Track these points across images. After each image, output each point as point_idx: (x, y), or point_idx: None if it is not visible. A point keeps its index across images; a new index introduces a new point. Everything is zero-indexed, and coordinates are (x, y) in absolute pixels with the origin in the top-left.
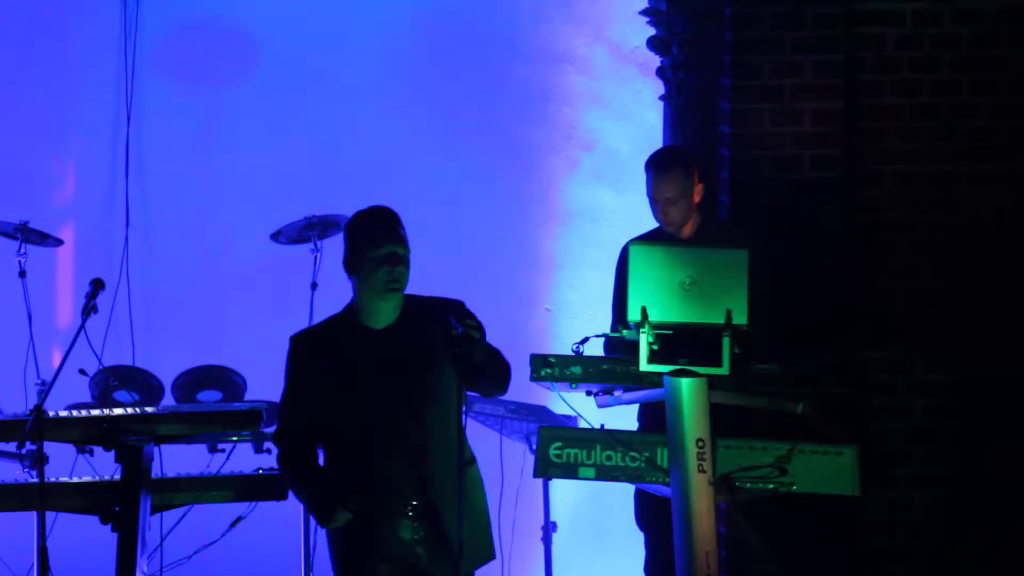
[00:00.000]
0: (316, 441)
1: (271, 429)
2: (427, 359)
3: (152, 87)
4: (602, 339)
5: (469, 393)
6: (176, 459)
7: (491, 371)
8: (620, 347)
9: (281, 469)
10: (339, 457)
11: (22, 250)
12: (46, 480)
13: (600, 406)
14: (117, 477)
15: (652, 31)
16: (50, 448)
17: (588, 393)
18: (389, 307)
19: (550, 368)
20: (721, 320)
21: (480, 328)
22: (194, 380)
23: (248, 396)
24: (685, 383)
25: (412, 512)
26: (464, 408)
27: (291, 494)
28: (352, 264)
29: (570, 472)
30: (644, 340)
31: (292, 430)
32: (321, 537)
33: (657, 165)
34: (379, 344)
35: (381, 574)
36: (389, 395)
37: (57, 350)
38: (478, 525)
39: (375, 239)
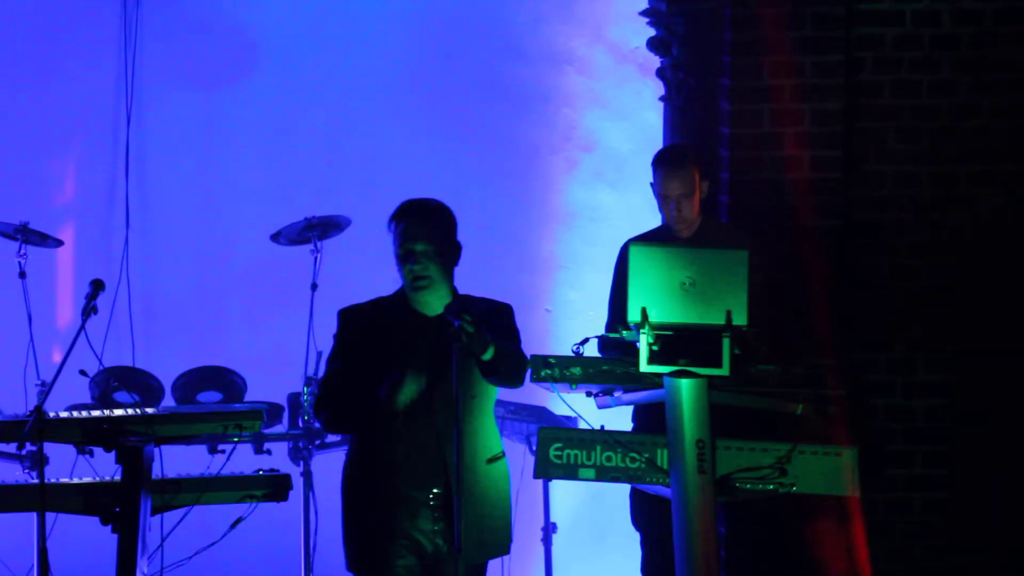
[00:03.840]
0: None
1: (271, 430)
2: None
3: (152, 88)
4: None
5: None
6: (176, 460)
7: (501, 368)
8: (614, 347)
9: (331, 415)
10: (368, 436)
11: (22, 251)
12: (46, 481)
13: (600, 407)
14: (117, 478)
15: (652, 32)
16: (50, 449)
17: (588, 394)
18: (433, 298)
19: (550, 369)
20: (721, 321)
21: (475, 323)
22: (194, 381)
23: (248, 397)
24: (685, 384)
25: (434, 501)
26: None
27: (291, 495)
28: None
29: (570, 473)
30: (644, 341)
31: (337, 389)
32: (322, 539)
33: (668, 161)
34: (429, 330)
35: (401, 567)
36: (427, 381)
37: (57, 351)
38: (498, 517)
39: (396, 236)
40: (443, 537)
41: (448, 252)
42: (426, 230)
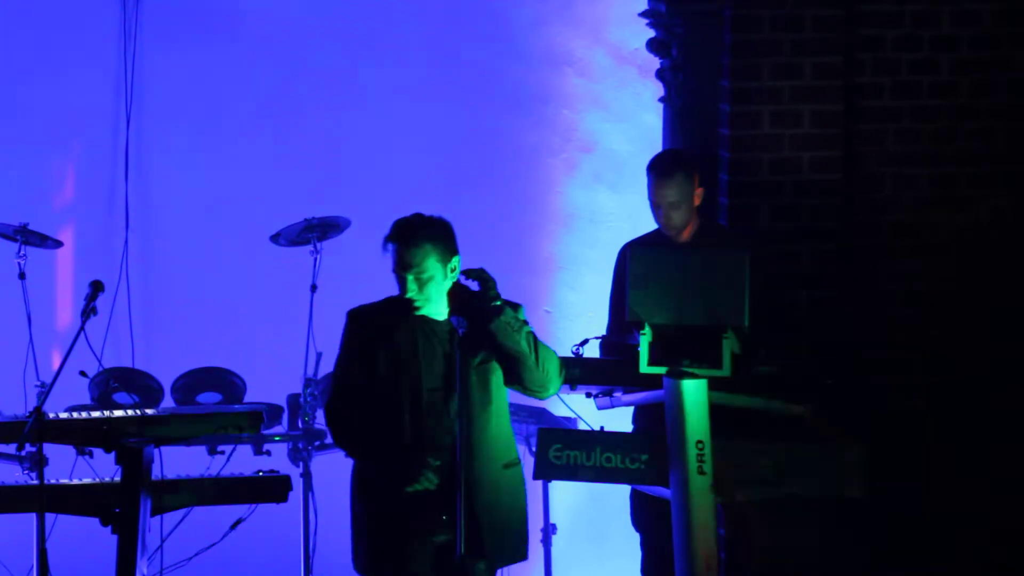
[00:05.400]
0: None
1: (271, 431)
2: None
3: (151, 89)
4: (601, 341)
5: None
6: (176, 461)
7: (525, 357)
8: (617, 349)
9: (344, 437)
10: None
11: (22, 252)
12: (46, 482)
13: (600, 408)
14: (117, 479)
15: (651, 33)
16: (50, 450)
17: (588, 395)
18: (438, 307)
19: None
20: (721, 322)
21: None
22: (194, 382)
23: (248, 398)
24: (685, 385)
25: (445, 517)
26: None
27: (291, 496)
28: None
29: (570, 474)
30: (644, 342)
31: (347, 399)
32: (321, 540)
33: (659, 169)
34: (434, 333)
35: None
36: (432, 386)
37: (57, 352)
38: (514, 522)
39: (391, 257)
40: (455, 541)
41: (444, 268)
42: (418, 256)
